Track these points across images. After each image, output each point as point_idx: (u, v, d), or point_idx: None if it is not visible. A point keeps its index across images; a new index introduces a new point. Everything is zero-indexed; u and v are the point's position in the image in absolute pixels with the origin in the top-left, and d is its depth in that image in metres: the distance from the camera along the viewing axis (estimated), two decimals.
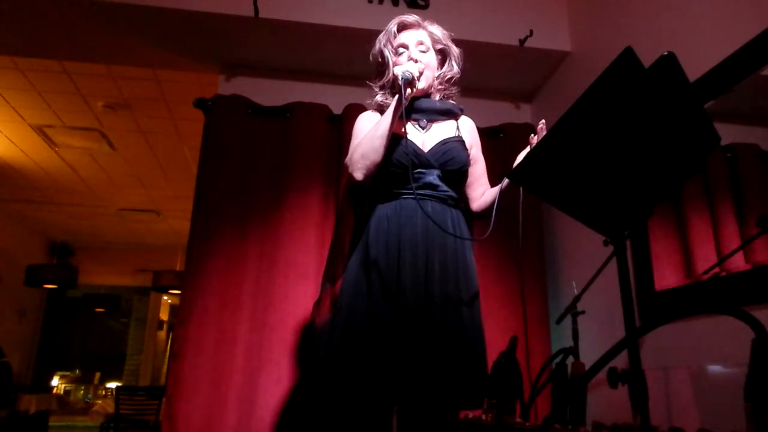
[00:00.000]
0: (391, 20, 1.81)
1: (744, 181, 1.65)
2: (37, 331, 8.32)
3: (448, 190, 1.68)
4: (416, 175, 1.62)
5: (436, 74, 1.77)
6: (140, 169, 5.43)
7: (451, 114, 1.78)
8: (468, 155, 1.73)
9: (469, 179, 1.79)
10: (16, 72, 3.70)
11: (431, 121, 1.74)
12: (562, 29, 2.79)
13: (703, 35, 1.80)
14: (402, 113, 1.56)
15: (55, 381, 10.29)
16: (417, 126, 1.72)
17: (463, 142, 1.74)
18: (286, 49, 2.76)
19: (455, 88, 1.83)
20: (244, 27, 2.61)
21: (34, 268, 7.03)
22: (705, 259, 1.68)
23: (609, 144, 1.09)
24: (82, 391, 11.23)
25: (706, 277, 1.65)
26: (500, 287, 2.65)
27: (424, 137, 1.71)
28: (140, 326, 9.72)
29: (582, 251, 2.48)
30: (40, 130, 4.61)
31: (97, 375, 11.25)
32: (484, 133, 2.87)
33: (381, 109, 1.75)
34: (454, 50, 1.81)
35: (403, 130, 1.58)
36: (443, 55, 1.81)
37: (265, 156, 2.61)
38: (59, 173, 5.58)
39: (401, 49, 1.75)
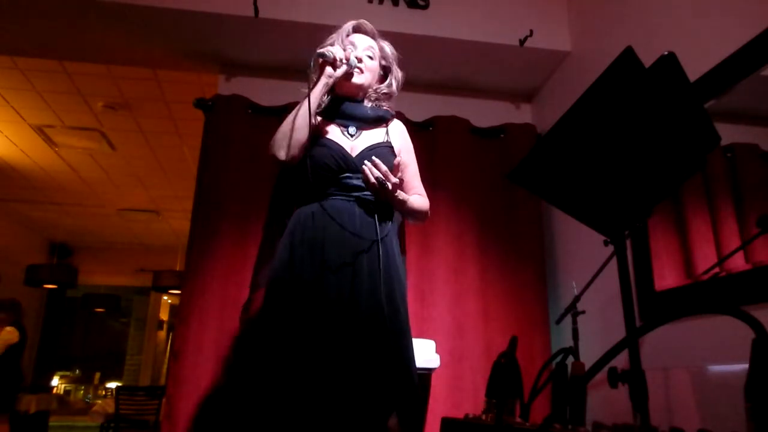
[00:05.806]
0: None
1: (744, 181, 1.65)
2: (37, 331, 8.31)
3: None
4: (343, 179, 1.62)
5: (374, 87, 1.79)
6: (140, 169, 5.43)
7: (381, 121, 1.77)
8: (394, 160, 1.66)
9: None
10: (16, 72, 3.70)
11: (361, 128, 1.73)
12: (562, 29, 2.80)
13: (703, 35, 1.80)
14: (322, 99, 1.61)
15: (55, 381, 10.28)
16: (346, 133, 1.71)
17: (392, 147, 1.73)
18: (286, 49, 2.76)
19: (387, 103, 1.82)
20: (244, 27, 2.61)
21: (34, 268, 7.02)
22: (705, 259, 1.68)
23: (609, 144, 1.09)
24: (82, 391, 11.22)
25: (706, 277, 1.65)
26: (500, 287, 2.65)
27: (354, 143, 1.70)
28: (140, 326, 9.71)
29: (582, 251, 2.48)
30: (40, 130, 4.61)
31: (97, 375, 11.24)
32: (483, 133, 2.89)
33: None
34: (398, 73, 1.81)
35: (327, 133, 1.63)
36: (385, 72, 1.83)
37: (265, 156, 2.60)
38: (59, 173, 5.58)
39: (350, 47, 1.75)
